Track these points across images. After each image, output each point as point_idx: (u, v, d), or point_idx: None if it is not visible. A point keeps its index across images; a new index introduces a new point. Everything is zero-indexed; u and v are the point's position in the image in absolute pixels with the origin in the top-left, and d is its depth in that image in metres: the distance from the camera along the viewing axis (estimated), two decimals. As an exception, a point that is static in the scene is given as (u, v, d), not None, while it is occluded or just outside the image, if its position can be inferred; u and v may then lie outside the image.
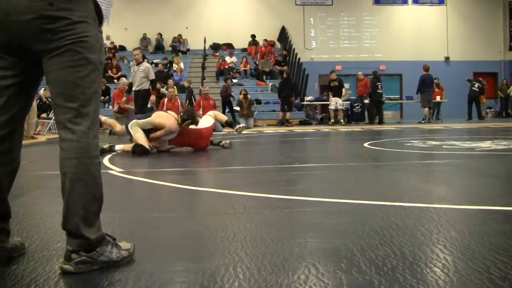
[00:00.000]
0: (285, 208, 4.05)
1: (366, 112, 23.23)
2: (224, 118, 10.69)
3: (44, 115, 17.61)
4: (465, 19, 32.01)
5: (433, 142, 10.99)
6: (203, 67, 26.63)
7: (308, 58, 30.00)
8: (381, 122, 22.32)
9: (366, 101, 22.88)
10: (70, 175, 2.43)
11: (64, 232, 2.48)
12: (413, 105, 25.68)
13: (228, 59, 28.03)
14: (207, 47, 28.81)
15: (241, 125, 10.37)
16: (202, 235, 3.18)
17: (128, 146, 9.05)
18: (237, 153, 9.42)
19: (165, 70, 25.12)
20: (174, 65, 26.16)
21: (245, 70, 27.25)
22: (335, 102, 22.07)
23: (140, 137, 8.95)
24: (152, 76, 14.45)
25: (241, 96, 21.30)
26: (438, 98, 24.22)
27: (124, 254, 2.54)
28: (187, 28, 29.97)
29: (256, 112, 22.62)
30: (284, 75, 22.90)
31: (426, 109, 22.64)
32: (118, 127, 9.96)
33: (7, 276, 2.38)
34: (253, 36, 30.04)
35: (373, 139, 12.64)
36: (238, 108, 21.56)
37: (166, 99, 17.75)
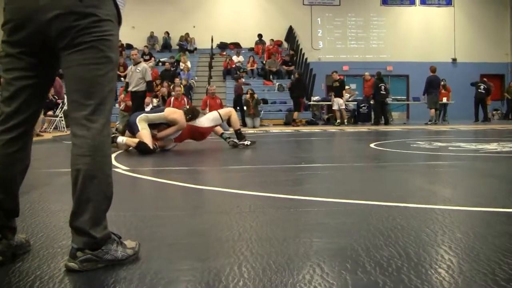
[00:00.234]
0: (290, 207, 4.05)
1: (372, 113, 23.22)
2: (236, 125, 10.51)
3: (50, 112, 17.60)
4: (472, 20, 31.94)
5: (439, 144, 10.96)
6: (210, 66, 26.64)
7: (315, 58, 29.98)
8: (386, 123, 22.29)
9: (372, 102, 22.86)
10: (84, 172, 2.41)
11: (69, 230, 2.48)
12: (419, 106, 25.65)
13: (235, 58, 28.02)
14: (214, 46, 28.81)
15: (246, 143, 10.27)
16: (208, 233, 3.18)
17: (131, 141, 8.95)
18: (243, 152, 9.41)
19: (172, 69, 25.16)
20: (181, 64, 26.13)
21: (252, 70, 27.23)
22: (336, 103, 22.09)
23: (146, 135, 8.87)
24: (149, 77, 14.35)
25: (248, 95, 21.29)
26: (444, 100, 24.15)
27: (129, 253, 2.54)
28: (194, 27, 29.99)
29: (262, 112, 22.60)
30: (296, 75, 22.88)
31: (433, 110, 22.59)
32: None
33: (12, 273, 2.39)
34: (259, 36, 30.03)
35: (379, 139, 12.62)
36: (244, 108, 21.54)
37: (172, 98, 17.72)
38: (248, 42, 30.37)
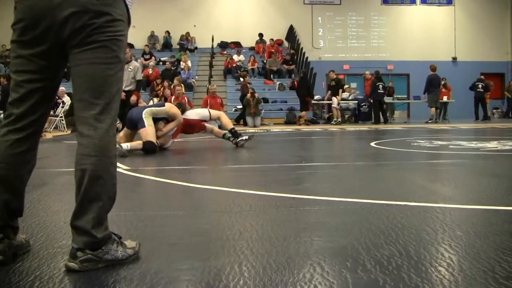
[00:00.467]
0: (291, 206, 4.05)
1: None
2: (229, 125, 10.54)
3: (51, 112, 17.57)
4: (472, 19, 31.93)
5: (440, 142, 10.96)
6: (211, 65, 26.62)
7: (316, 57, 29.98)
8: (385, 121, 22.28)
9: (371, 101, 22.87)
10: (89, 172, 2.41)
11: (69, 230, 2.48)
12: (420, 105, 25.63)
13: (235, 57, 28.00)
14: (215, 45, 28.80)
15: (243, 138, 10.27)
16: (208, 233, 3.18)
17: (136, 144, 8.89)
18: (244, 151, 9.41)
19: (172, 68, 25.14)
20: (181, 63, 26.10)
21: (252, 69, 27.20)
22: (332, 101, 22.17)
23: (151, 131, 8.76)
24: (139, 76, 14.29)
25: (249, 94, 21.28)
26: (445, 98, 24.14)
27: (129, 253, 2.54)
28: (195, 26, 29.98)
29: (263, 111, 22.59)
30: (301, 74, 22.86)
31: (433, 109, 22.57)
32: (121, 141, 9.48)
33: (12, 273, 2.39)
34: (260, 35, 30.01)
35: (380, 138, 12.62)
36: (240, 106, 21.55)
37: (173, 97, 17.70)
38: (248, 41, 30.36)
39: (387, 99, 23.87)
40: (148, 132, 8.75)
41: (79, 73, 2.46)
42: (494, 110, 29.23)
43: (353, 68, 30.30)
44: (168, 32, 29.78)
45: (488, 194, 4.56)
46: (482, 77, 25.11)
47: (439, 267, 2.40)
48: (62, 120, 17.42)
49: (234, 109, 23.58)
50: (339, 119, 22.31)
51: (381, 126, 19.86)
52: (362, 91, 25.53)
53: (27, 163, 2.61)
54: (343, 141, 13.59)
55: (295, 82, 25.39)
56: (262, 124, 21.61)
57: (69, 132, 16.04)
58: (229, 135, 10.13)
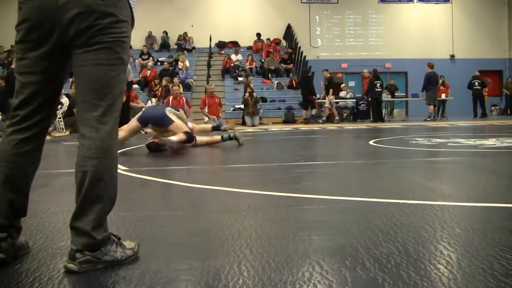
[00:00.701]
0: (290, 205, 4.05)
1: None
2: (206, 128, 10.57)
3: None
4: (470, 17, 31.95)
5: (438, 140, 10.96)
6: (209, 65, 26.65)
7: (314, 56, 29.99)
8: (382, 120, 22.28)
9: (370, 99, 22.88)
10: (91, 174, 2.41)
11: (68, 231, 2.48)
12: (418, 103, 25.66)
13: (233, 57, 28.00)
14: (212, 45, 28.83)
15: (224, 126, 10.31)
16: (207, 233, 3.18)
17: (180, 136, 8.89)
18: (242, 151, 9.41)
19: (170, 68, 25.14)
20: (179, 63, 26.13)
21: (250, 68, 27.21)
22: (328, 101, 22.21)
23: (181, 124, 9.06)
24: (130, 78, 14.28)
25: (247, 94, 21.27)
26: (443, 96, 24.18)
27: (128, 253, 2.54)
28: (192, 26, 29.96)
29: (261, 110, 22.59)
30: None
31: (431, 106, 22.57)
32: (122, 134, 9.20)
33: (11, 274, 2.39)
34: (258, 35, 30.01)
35: (378, 136, 12.64)
36: (243, 106, 21.54)
37: (171, 97, 17.67)
38: (246, 40, 30.35)
39: (386, 98, 23.91)
40: (179, 125, 8.98)
41: (82, 74, 2.46)
42: (493, 108, 29.23)
43: (351, 66, 30.33)
44: (165, 32, 29.79)
45: (486, 192, 4.57)
46: (478, 74, 25.07)
47: (438, 264, 2.40)
48: (61, 121, 17.40)
49: (232, 108, 23.60)
50: (337, 118, 22.29)
51: (380, 124, 19.87)
52: (360, 89, 25.50)
53: (32, 163, 2.63)
54: (341, 140, 13.59)
55: (293, 81, 25.42)
56: (260, 124, 21.62)
57: (67, 133, 16.03)
58: (226, 137, 10.12)
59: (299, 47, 28.04)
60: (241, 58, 28.27)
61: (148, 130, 10.23)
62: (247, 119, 21.07)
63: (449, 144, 9.85)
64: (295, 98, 24.69)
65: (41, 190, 4.79)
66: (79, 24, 2.38)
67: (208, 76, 25.68)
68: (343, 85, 25.54)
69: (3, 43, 26.33)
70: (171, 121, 8.95)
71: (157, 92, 21.22)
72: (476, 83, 24.38)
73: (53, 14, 2.38)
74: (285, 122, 22.82)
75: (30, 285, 2.24)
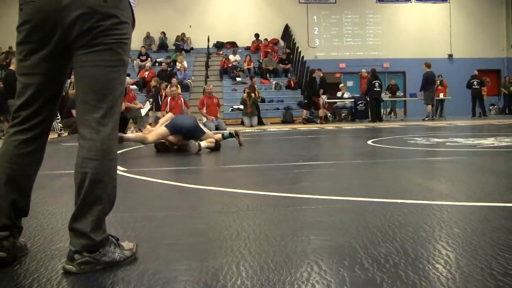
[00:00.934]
0: (288, 206, 4.05)
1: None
2: (219, 137, 10.67)
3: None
4: (468, 16, 31.95)
5: (437, 139, 10.97)
6: (207, 66, 26.66)
7: (312, 56, 29.97)
8: (380, 120, 22.28)
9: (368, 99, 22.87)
10: (90, 175, 2.41)
11: (66, 232, 2.48)
12: (416, 103, 25.67)
13: (231, 57, 27.99)
14: (210, 45, 28.84)
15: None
16: (206, 233, 3.18)
17: (209, 142, 9.25)
18: (241, 151, 9.41)
19: (168, 69, 25.14)
20: (177, 64, 26.11)
21: (248, 69, 27.21)
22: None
23: (211, 133, 9.61)
24: (125, 84, 14.31)
25: (245, 94, 21.25)
26: (441, 95, 24.20)
27: (127, 254, 2.54)
28: (190, 26, 29.95)
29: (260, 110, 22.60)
30: (310, 74, 22.78)
31: (429, 106, 22.59)
32: (149, 138, 9.26)
33: (10, 275, 2.39)
34: (256, 35, 30.00)
35: (377, 136, 12.64)
36: (242, 106, 21.52)
37: (169, 98, 17.66)
38: (244, 41, 30.35)
39: (385, 97, 23.93)
40: (210, 135, 9.45)
41: (83, 75, 2.46)
42: (491, 107, 29.23)
43: (349, 66, 30.33)
44: (163, 33, 29.77)
45: (485, 191, 4.57)
46: (476, 73, 25.06)
47: (437, 264, 2.40)
48: (59, 122, 17.35)
49: (230, 109, 23.60)
50: (329, 114, 22.31)
51: (378, 124, 19.88)
52: (359, 89, 25.51)
53: (35, 163, 2.64)
54: (339, 140, 13.59)
55: (291, 81, 25.42)
56: (259, 124, 21.60)
57: (66, 134, 16.00)
58: (227, 135, 10.10)
59: (297, 47, 28.05)
60: (239, 58, 28.25)
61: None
62: (245, 120, 21.04)
63: (448, 143, 9.85)
64: (293, 98, 24.70)
65: (40, 191, 4.78)
66: (81, 25, 2.38)
67: (206, 76, 25.68)
68: (341, 85, 25.52)
69: (1, 44, 26.32)
70: (203, 132, 9.30)
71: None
72: (475, 83, 24.38)
73: (55, 15, 2.37)
74: (284, 122, 22.81)
75: (29, 286, 2.24)
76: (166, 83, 20.99)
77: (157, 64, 27.06)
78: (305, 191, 4.76)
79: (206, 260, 2.55)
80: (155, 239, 3.01)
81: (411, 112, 29.06)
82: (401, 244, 2.73)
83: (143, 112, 16.86)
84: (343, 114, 23.66)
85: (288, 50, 28.78)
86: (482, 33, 31.84)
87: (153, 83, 21.88)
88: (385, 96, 24.43)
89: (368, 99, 22.59)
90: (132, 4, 2.58)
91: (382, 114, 23.34)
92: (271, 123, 22.54)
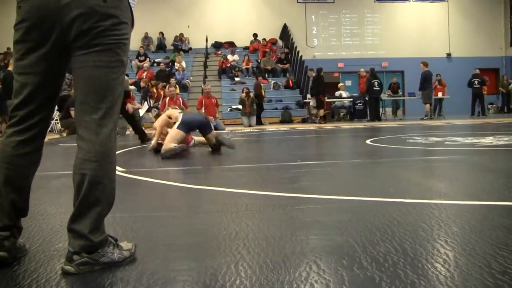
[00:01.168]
0: (287, 205, 4.05)
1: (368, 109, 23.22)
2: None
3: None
4: (466, 15, 31.98)
5: (435, 139, 10.97)
6: (205, 66, 26.64)
7: (310, 56, 29.99)
8: (379, 119, 22.28)
9: (367, 98, 22.87)
10: (89, 177, 2.40)
11: (65, 233, 2.48)
12: (415, 102, 25.67)
13: (230, 57, 27.99)
14: (209, 45, 28.83)
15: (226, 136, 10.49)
16: (205, 233, 3.18)
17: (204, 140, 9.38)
18: (239, 151, 9.41)
19: (167, 69, 25.15)
20: (176, 64, 26.13)
21: (247, 68, 27.22)
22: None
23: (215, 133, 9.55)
24: (126, 88, 14.26)
25: (243, 94, 21.24)
26: (440, 94, 24.21)
27: (125, 255, 2.54)
28: (188, 26, 29.93)
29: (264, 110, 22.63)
30: (314, 74, 22.75)
31: (428, 105, 22.60)
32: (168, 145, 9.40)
33: (9, 276, 2.39)
34: (254, 35, 30.00)
35: (375, 136, 12.65)
36: (240, 106, 21.52)
37: (168, 98, 17.63)
38: (242, 41, 30.35)
39: (384, 96, 23.94)
40: (214, 133, 9.42)
41: (82, 76, 2.45)
42: (489, 106, 29.25)
43: (347, 66, 30.35)
44: (162, 33, 29.75)
45: (483, 190, 4.57)
46: (478, 72, 25.05)
47: (435, 263, 2.40)
48: (57, 123, 17.35)
49: (229, 109, 23.60)
50: (324, 113, 22.35)
51: (377, 124, 19.89)
52: (357, 88, 25.52)
53: (32, 164, 2.63)
54: (338, 139, 13.59)
55: (290, 81, 25.42)
56: (257, 123, 21.60)
57: (64, 135, 15.98)
58: (220, 139, 10.10)
59: (296, 47, 28.07)
60: (238, 58, 28.27)
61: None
62: (244, 120, 21.05)
63: (446, 142, 9.86)
64: (292, 98, 24.73)
65: (39, 192, 4.78)
66: (80, 25, 2.37)
67: (205, 76, 25.67)
68: (340, 84, 25.53)
69: (-1, 44, 26.39)
70: (212, 129, 9.37)
71: (152, 93, 21.17)
72: (476, 82, 24.37)
73: (54, 14, 2.37)
74: (282, 122, 22.81)
75: (28, 287, 2.24)
76: (162, 83, 20.99)
77: (155, 64, 27.04)
78: (304, 190, 4.76)
79: (205, 260, 2.55)
80: (154, 239, 3.01)
81: (410, 111, 29.08)
82: (400, 243, 2.73)
83: (141, 112, 16.85)
84: (341, 114, 23.66)
85: (286, 50, 28.78)
86: (480, 32, 31.87)
87: (142, 84, 21.86)
88: (385, 95, 24.42)
89: (367, 99, 22.58)
90: (131, 4, 2.57)
91: (381, 113, 23.31)
92: (269, 123, 22.54)
